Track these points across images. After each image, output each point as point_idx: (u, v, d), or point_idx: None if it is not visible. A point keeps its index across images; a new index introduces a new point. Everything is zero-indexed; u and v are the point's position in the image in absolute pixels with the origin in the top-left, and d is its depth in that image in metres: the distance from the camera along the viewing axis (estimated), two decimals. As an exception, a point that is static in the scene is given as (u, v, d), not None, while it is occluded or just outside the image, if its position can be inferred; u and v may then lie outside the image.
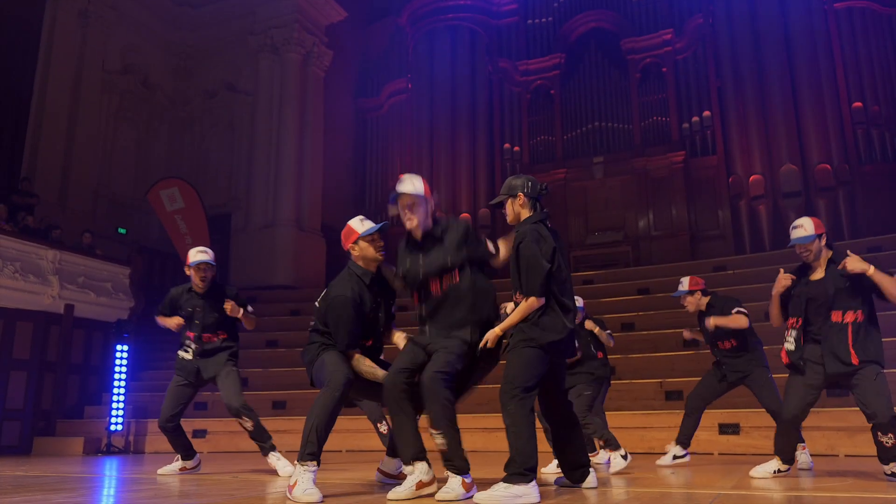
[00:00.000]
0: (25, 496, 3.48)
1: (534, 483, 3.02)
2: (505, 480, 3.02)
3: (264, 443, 4.91)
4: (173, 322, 4.89)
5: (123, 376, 8.99)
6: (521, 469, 3.01)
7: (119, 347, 9.08)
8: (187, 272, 4.96)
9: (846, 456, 6.46)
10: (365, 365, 3.52)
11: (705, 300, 5.44)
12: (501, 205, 3.54)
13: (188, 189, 11.57)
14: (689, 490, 3.60)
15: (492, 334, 3.28)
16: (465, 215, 14.47)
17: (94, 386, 9.90)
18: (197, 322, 4.89)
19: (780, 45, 12.98)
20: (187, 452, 5.08)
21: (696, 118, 13.68)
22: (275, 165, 14.49)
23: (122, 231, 13.45)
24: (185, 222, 11.44)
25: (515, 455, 3.04)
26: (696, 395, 5.53)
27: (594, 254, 13.57)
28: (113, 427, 8.80)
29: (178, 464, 5.12)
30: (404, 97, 16.12)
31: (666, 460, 5.44)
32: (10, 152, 12.22)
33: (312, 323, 3.74)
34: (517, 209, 3.45)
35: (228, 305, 4.81)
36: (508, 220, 3.50)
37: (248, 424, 4.80)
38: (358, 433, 8.46)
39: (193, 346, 4.89)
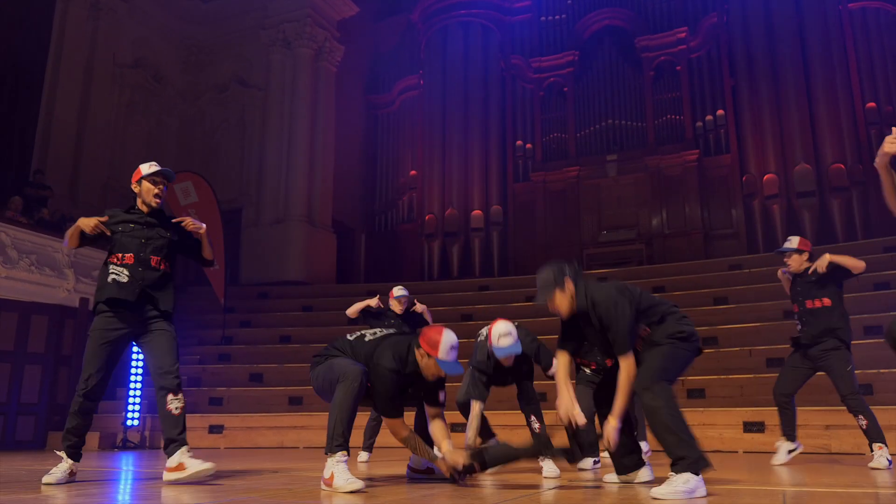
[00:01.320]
0: (39, 492, 3.43)
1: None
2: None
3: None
4: None
5: (140, 371, 8.94)
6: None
7: (134, 341, 9.00)
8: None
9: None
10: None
11: (807, 265, 5.32)
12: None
13: (202, 183, 11.51)
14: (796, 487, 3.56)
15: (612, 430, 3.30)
16: (476, 212, 14.44)
17: (111, 379, 9.84)
18: None
19: (794, 44, 12.94)
20: None
21: (709, 117, 13.64)
22: (286, 160, 14.44)
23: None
24: (199, 217, 11.34)
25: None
26: (780, 387, 5.39)
27: (607, 252, 13.53)
28: (129, 422, 8.76)
29: None
30: (416, 93, 16.07)
31: (780, 458, 5.28)
32: (22, 145, 12.15)
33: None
34: (569, 296, 3.36)
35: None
36: (564, 314, 3.39)
37: None
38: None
39: None
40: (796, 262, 5.32)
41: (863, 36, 12.97)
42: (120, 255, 3.88)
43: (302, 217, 14.15)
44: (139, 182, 4.00)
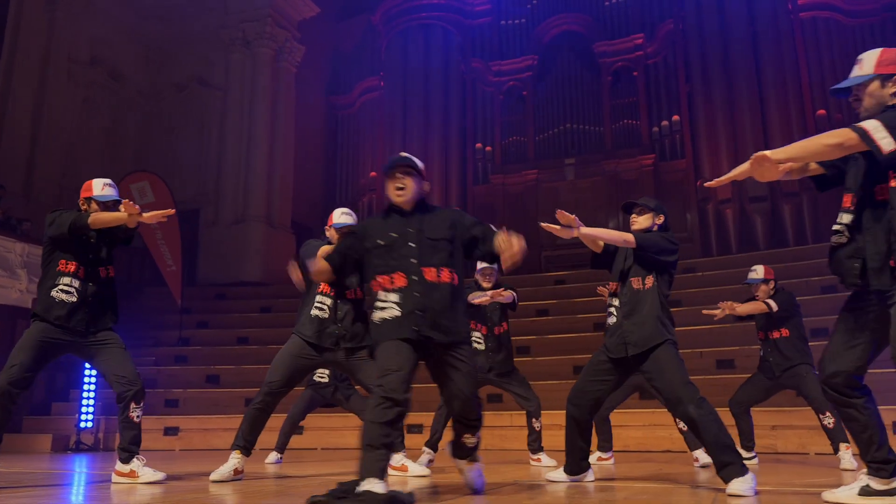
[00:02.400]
0: None
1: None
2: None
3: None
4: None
5: (93, 372, 8.82)
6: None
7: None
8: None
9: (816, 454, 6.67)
10: None
11: (772, 292, 5.44)
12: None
13: (159, 183, 11.40)
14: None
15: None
16: (437, 214, 14.52)
17: (61, 382, 9.71)
18: None
19: (748, 51, 13.28)
20: None
21: (665, 122, 13.93)
22: (245, 161, 14.36)
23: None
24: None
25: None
26: (738, 399, 5.59)
27: (565, 254, 13.72)
28: (82, 424, 8.64)
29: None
30: (377, 95, 16.10)
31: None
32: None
33: None
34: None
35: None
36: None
37: None
38: (333, 431, 8.46)
39: None
40: (763, 293, 5.42)
41: (813, 44, 13.36)
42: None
43: (261, 217, 14.09)
44: (87, 201, 4.00)
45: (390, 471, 4.47)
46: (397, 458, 4.58)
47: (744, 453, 5.43)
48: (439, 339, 2.95)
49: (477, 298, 5.32)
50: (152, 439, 8.80)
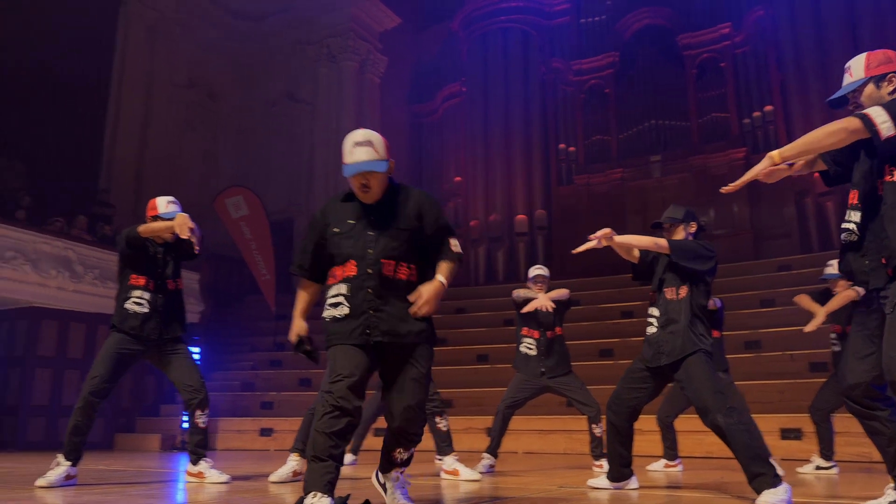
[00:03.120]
0: (105, 489, 3.77)
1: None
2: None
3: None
4: None
5: (195, 377, 9.41)
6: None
7: (190, 350, 9.49)
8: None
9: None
10: None
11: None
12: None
13: (252, 197, 11.99)
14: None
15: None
16: (521, 217, 14.56)
17: (169, 385, 10.36)
18: None
19: (845, 33, 12.59)
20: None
21: (757, 113, 13.41)
22: (334, 171, 14.84)
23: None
24: (250, 228, 11.87)
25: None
26: (817, 405, 5.44)
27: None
28: (185, 425, 9.22)
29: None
30: (458, 101, 16.29)
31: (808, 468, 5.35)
32: (90, 166, 12.87)
33: None
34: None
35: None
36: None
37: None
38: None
39: None
40: (843, 287, 5.17)
41: (917, 23, 12.54)
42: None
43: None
44: (153, 219, 4.35)
45: (443, 475, 4.61)
46: (449, 462, 4.69)
47: (823, 462, 5.24)
48: (392, 343, 2.65)
49: (529, 306, 5.37)
50: (249, 440, 9.30)
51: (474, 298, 12.74)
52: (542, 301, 5.32)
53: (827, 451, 5.31)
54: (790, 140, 12.93)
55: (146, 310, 4.21)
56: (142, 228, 4.14)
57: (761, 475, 3.04)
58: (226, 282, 12.81)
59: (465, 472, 4.59)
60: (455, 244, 2.77)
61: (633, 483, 3.83)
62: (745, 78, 13.67)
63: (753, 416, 7.31)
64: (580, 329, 10.44)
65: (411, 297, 2.62)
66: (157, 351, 4.32)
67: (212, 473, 4.23)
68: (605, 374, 8.18)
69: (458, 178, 16.00)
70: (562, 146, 15.00)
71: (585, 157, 14.72)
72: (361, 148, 2.62)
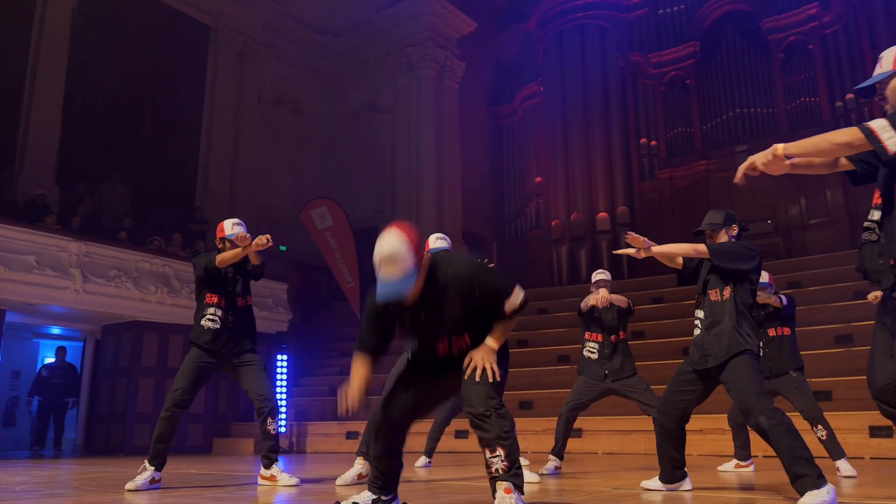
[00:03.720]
0: (184, 492, 4.10)
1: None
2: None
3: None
4: None
5: (284, 383, 9.89)
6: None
7: (279, 357, 9.99)
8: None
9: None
10: None
11: None
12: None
13: (336, 208, 12.43)
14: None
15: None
16: (602, 214, 14.40)
17: (262, 392, 10.94)
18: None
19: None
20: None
21: (850, 95, 12.71)
22: (415, 178, 15.16)
23: (283, 249, 14.65)
24: (335, 239, 12.32)
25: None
26: None
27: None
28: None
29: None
30: (537, 101, 16.27)
31: None
32: (186, 185, 13.73)
33: None
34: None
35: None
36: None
37: None
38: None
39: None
40: None
41: None
42: None
43: (432, 231, 14.72)
44: (222, 240, 4.66)
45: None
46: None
47: None
48: None
49: (585, 302, 5.43)
50: (336, 443, 9.68)
51: (556, 299, 12.71)
52: (598, 296, 5.36)
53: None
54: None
55: (218, 326, 4.54)
56: (219, 259, 4.47)
57: (804, 476, 2.99)
58: (312, 290, 13.34)
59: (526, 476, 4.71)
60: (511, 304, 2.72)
61: (687, 484, 3.82)
62: (836, 59, 12.98)
63: (841, 413, 7.07)
64: (664, 327, 10.28)
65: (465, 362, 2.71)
66: (231, 363, 4.64)
67: (283, 477, 4.50)
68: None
69: (539, 179, 15.99)
70: (643, 140, 14.72)
71: (668, 151, 14.38)
72: (388, 267, 2.62)
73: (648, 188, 14.47)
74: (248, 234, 4.53)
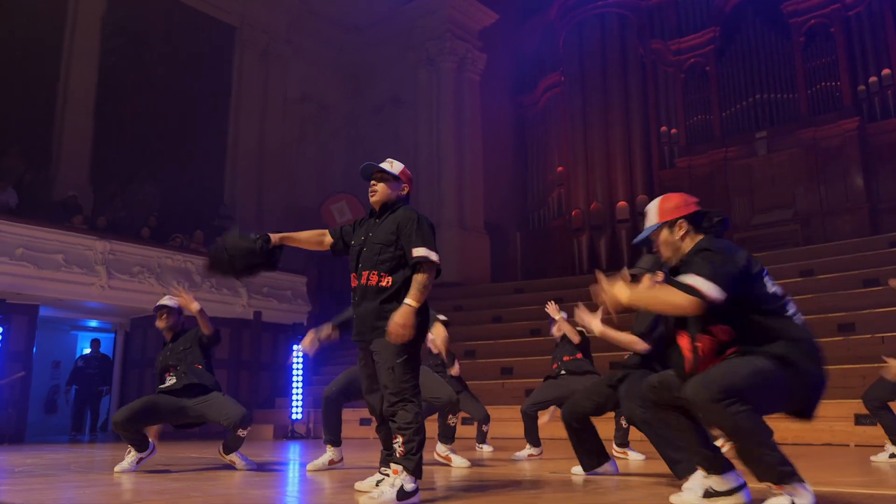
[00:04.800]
0: (181, 476, 4.48)
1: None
2: None
3: None
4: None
5: (301, 373, 10.31)
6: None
7: (296, 347, 10.40)
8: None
9: None
10: None
11: None
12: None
13: (354, 202, 12.81)
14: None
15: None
16: (622, 203, 14.42)
17: (282, 380, 11.40)
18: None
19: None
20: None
21: (873, 78, 12.46)
22: (437, 170, 15.40)
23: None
24: (354, 232, 12.67)
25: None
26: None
27: (760, 234, 12.90)
28: (294, 416, 10.16)
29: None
30: (558, 91, 16.31)
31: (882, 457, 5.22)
32: (214, 182, 14.26)
33: None
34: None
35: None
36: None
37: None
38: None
39: None
40: None
41: None
42: None
43: (453, 222, 15.03)
44: None
45: (436, 458, 5.03)
46: (442, 449, 5.05)
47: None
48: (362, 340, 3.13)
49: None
50: (351, 429, 10.01)
51: (576, 288, 12.82)
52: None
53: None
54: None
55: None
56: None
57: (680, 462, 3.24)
58: (331, 283, 13.72)
59: (457, 461, 5.03)
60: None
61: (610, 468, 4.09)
62: (859, 42, 12.72)
63: (828, 401, 7.07)
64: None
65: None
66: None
67: (241, 463, 4.89)
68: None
69: (560, 168, 16.06)
70: (663, 129, 14.67)
71: (687, 139, 14.31)
72: (370, 163, 3.27)
73: (668, 177, 14.42)
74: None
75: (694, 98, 14.37)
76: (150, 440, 4.89)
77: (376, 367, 3.04)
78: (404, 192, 3.29)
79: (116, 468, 4.69)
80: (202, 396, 4.90)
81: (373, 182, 3.24)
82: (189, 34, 14.12)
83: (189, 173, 13.44)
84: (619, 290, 2.64)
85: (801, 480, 2.35)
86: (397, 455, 2.89)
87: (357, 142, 16.76)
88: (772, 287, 2.58)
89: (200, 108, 14.16)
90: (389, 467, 3.01)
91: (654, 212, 2.76)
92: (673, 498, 2.72)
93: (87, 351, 11.64)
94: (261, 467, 5.05)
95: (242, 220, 13.38)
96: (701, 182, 13.92)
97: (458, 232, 15.05)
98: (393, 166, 3.27)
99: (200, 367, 4.99)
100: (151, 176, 12.53)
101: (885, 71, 12.33)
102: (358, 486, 3.49)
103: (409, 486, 2.83)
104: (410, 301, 2.93)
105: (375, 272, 3.09)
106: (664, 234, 2.70)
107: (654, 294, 2.74)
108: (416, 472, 2.87)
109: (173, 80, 13.52)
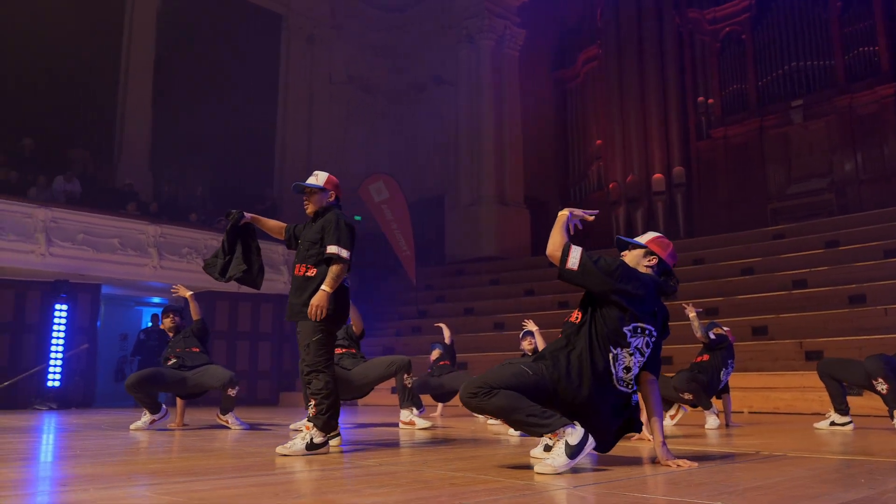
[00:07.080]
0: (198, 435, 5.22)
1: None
2: None
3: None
4: None
5: (337, 344, 11.06)
6: None
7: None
8: None
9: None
10: None
11: None
12: None
13: (390, 181, 13.39)
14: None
15: None
16: (658, 175, 14.51)
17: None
18: None
19: None
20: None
21: (913, 41, 12.13)
22: (477, 146, 15.80)
23: (357, 218, 15.86)
24: (391, 210, 13.31)
25: None
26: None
27: (795, 204, 12.83)
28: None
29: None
30: (596, 63, 16.38)
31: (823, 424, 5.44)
32: (265, 166, 15.12)
33: None
34: None
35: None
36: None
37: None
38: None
39: None
40: None
41: None
42: None
43: (492, 197, 15.45)
44: None
45: (401, 425, 5.59)
46: (405, 414, 5.64)
47: (838, 418, 5.31)
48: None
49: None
50: (383, 397, 10.76)
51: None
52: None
53: (841, 407, 5.37)
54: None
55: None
56: None
57: None
58: (370, 258, 14.39)
59: (420, 423, 5.60)
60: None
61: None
62: (900, 3, 12.35)
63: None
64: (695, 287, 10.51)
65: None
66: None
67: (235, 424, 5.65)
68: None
69: (599, 142, 16.20)
70: (700, 99, 14.61)
71: (723, 109, 14.23)
72: (297, 184, 3.87)
73: (704, 147, 14.42)
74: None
75: (730, 67, 14.26)
76: (162, 406, 5.67)
77: (298, 343, 3.70)
78: (332, 199, 3.84)
79: (132, 426, 5.52)
80: (197, 369, 5.74)
81: (304, 199, 3.85)
82: (237, 25, 14.92)
83: (239, 158, 14.32)
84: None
85: (569, 423, 2.73)
86: (310, 414, 3.55)
87: (401, 120, 17.30)
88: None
89: (250, 94, 14.98)
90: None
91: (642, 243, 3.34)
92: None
93: (149, 325, 12.73)
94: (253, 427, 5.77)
95: (292, 203, 14.21)
96: (735, 152, 13.88)
97: (498, 207, 15.45)
98: (318, 179, 3.86)
99: (198, 350, 5.91)
100: (204, 161, 13.45)
101: (928, 33, 11.98)
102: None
103: (319, 440, 3.45)
104: (325, 287, 3.56)
105: (304, 265, 3.73)
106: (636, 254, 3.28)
107: (555, 235, 3.06)
108: (324, 428, 3.51)
109: (224, 69, 14.36)
